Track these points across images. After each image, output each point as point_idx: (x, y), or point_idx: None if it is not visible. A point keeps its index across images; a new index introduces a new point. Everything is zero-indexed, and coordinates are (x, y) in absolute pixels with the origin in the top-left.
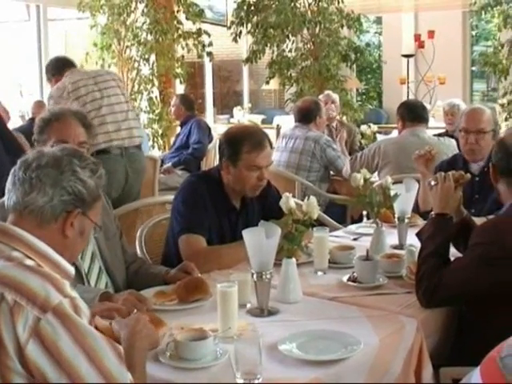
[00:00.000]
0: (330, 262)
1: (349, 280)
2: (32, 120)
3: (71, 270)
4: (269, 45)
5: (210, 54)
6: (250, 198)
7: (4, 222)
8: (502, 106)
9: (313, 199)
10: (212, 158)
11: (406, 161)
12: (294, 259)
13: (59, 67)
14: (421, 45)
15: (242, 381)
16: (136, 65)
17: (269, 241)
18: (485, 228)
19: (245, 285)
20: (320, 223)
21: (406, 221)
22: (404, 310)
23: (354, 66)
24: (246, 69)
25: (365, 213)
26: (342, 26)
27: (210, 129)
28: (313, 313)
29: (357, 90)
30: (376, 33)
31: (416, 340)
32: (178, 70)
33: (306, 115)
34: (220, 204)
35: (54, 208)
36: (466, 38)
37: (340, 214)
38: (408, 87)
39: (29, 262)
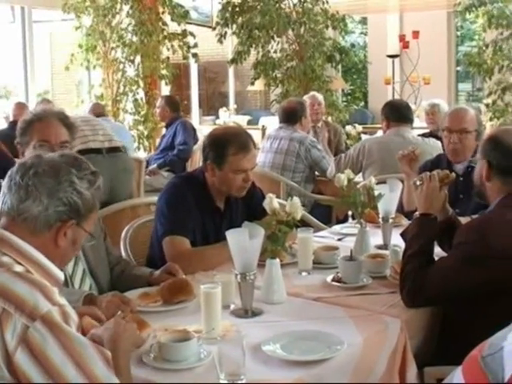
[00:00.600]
0: (315, 263)
1: (333, 280)
2: (13, 123)
3: (61, 276)
4: (254, 46)
5: (195, 55)
6: (234, 199)
7: None
8: (487, 105)
9: (296, 200)
10: (197, 159)
11: (390, 161)
12: (277, 260)
13: None
14: (406, 45)
15: (225, 381)
16: (121, 66)
17: (252, 242)
18: (469, 227)
19: (228, 286)
20: (305, 224)
21: (390, 221)
22: (388, 309)
23: (340, 66)
24: (231, 70)
25: (350, 213)
26: (327, 27)
27: (195, 130)
28: (297, 313)
29: (342, 90)
30: (361, 33)
31: (400, 340)
32: (164, 72)
33: (291, 116)
34: (204, 205)
35: (48, 218)
36: (450, 39)
37: (325, 215)
38: (393, 88)
39: (18, 268)
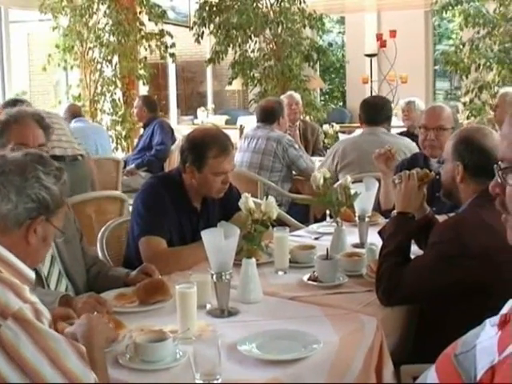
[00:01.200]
0: (291, 262)
1: (309, 279)
2: None
3: (31, 275)
4: (231, 45)
5: (172, 55)
6: (211, 199)
7: None
8: (464, 104)
9: (271, 199)
10: (175, 160)
11: (365, 161)
12: (253, 259)
13: None
14: (383, 44)
15: (201, 381)
16: (99, 66)
17: (227, 241)
18: (443, 227)
19: (204, 285)
20: (282, 223)
21: (367, 219)
22: (364, 308)
23: (318, 65)
24: (209, 70)
25: (328, 212)
26: (305, 26)
27: (172, 130)
28: (273, 313)
29: (321, 89)
30: (339, 33)
31: (376, 338)
32: (141, 72)
33: (269, 115)
34: (181, 205)
35: (17, 215)
36: (428, 37)
37: (303, 214)
38: (371, 87)
39: None
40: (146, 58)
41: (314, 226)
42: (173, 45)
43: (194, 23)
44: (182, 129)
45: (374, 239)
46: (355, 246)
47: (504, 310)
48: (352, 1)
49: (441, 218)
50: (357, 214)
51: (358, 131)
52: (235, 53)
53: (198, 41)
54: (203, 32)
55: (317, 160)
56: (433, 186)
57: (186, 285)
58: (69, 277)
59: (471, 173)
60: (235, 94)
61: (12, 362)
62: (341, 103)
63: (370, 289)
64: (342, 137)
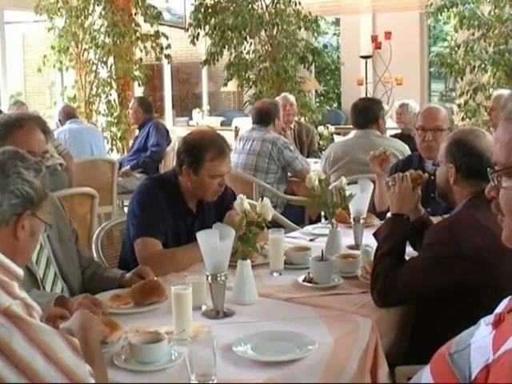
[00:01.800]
0: (286, 263)
1: (304, 281)
2: None
3: (20, 271)
4: (227, 47)
5: (168, 56)
6: (206, 201)
7: None
8: (459, 106)
9: (266, 201)
10: (170, 161)
11: (357, 164)
12: (248, 261)
13: None
14: (378, 46)
15: (196, 382)
16: (94, 68)
17: (223, 243)
18: (438, 228)
19: (200, 287)
20: (277, 224)
21: (362, 221)
22: (359, 309)
23: (313, 67)
24: (204, 71)
25: (323, 213)
26: (300, 28)
27: (167, 131)
28: (268, 314)
29: (316, 91)
30: (334, 34)
31: (371, 339)
32: (137, 73)
33: (265, 117)
34: (176, 207)
35: (4, 213)
36: (423, 39)
37: (298, 215)
38: (366, 88)
39: None
40: (141, 59)
41: (309, 228)
42: (168, 46)
43: (190, 24)
44: (177, 130)
45: (369, 241)
46: (350, 247)
47: (498, 310)
48: (347, 2)
49: (435, 219)
50: (352, 216)
51: (353, 133)
52: (230, 54)
53: (193, 42)
54: (199, 33)
55: (312, 161)
56: (428, 188)
57: (181, 286)
58: (64, 278)
59: (464, 174)
60: (230, 96)
61: (5, 358)
62: (336, 105)
63: (365, 290)
64: (336, 138)
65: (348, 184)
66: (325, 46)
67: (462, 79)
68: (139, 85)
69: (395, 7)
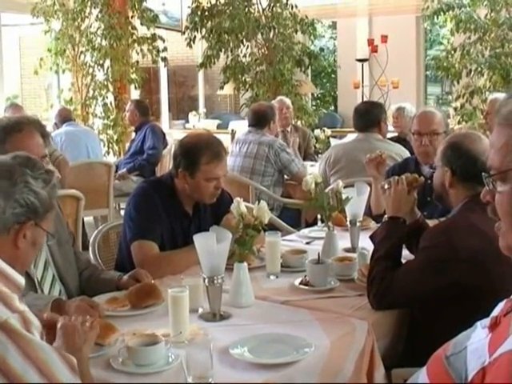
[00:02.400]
0: (283, 266)
1: (301, 283)
2: None
3: (21, 281)
4: (223, 50)
5: (164, 59)
6: (202, 203)
7: None
8: (456, 109)
9: (263, 203)
10: (167, 164)
11: (355, 166)
12: (245, 263)
13: None
14: (374, 49)
15: None
16: (90, 70)
17: (219, 245)
18: (433, 231)
19: (196, 289)
20: (273, 227)
21: (358, 224)
22: (355, 312)
23: (309, 70)
24: (201, 74)
25: (319, 216)
26: (296, 31)
27: (164, 134)
28: (265, 317)
29: (312, 94)
30: (331, 38)
31: (367, 342)
32: (133, 76)
33: (262, 119)
34: (172, 210)
35: (6, 220)
36: (419, 43)
37: (295, 218)
38: (362, 91)
39: None
40: (137, 62)
41: (305, 231)
42: (165, 49)
43: (186, 27)
44: (173, 133)
45: (366, 244)
46: (347, 250)
47: (495, 313)
48: (344, 6)
49: (432, 222)
50: (348, 219)
51: (350, 136)
52: (227, 57)
53: (189, 45)
54: (195, 36)
55: (308, 165)
56: (424, 191)
57: (178, 289)
58: (62, 281)
59: (459, 178)
60: (227, 99)
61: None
62: (332, 108)
63: (362, 293)
64: (333, 142)
65: (344, 187)
66: (321, 50)
67: (458, 82)
68: (136, 87)
69: (391, 11)
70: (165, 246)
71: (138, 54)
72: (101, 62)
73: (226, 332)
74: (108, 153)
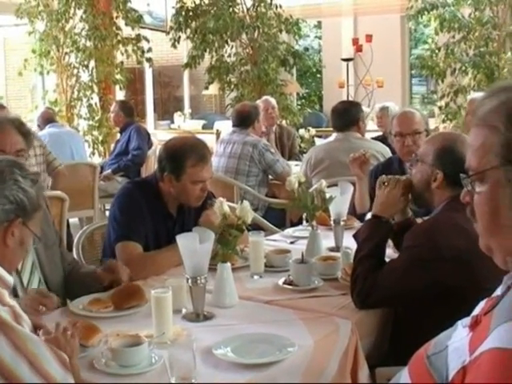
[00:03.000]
0: (267, 266)
1: (284, 283)
2: None
3: (10, 279)
4: (208, 50)
5: (149, 59)
6: (187, 205)
7: None
8: (440, 108)
9: (246, 203)
10: (152, 164)
11: (337, 166)
12: (228, 263)
13: None
14: (359, 48)
15: None
16: (75, 71)
17: (202, 245)
18: (417, 230)
19: (180, 290)
20: (258, 227)
21: (342, 223)
22: (339, 311)
23: (294, 70)
24: (186, 74)
25: (304, 216)
26: (281, 31)
27: (149, 135)
28: (248, 316)
29: (297, 94)
30: (316, 37)
31: (351, 341)
32: (118, 76)
33: (246, 119)
34: (157, 211)
35: None
36: (404, 42)
37: (279, 218)
38: (347, 91)
39: None
40: (122, 62)
41: (289, 230)
42: (149, 49)
43: (171, 28)
44: (158, 133)
45: (349, 243)
46: (331, 249)
47: (475, 312)
48: (328, 6)
49: (417, 220)
50: (332, 218)
51: (334, 135)
52: (212, 57)
53: (174, 45)
54: (180, 37)
55: (293, 164)
56: None
57: (161, 289)
58: (47, 284)
59: (450, 181)
60: (212, 99)
61: None
62: (317, 107)
63: (345, 292)
64: (318, 141)
65: (328, 186)
66: (306, 49)
67: (442, 81)
68: (120, 88)
69: (376, 10)
70: (149, 247)
71: (122, 54)
72: (85, 62)
73: (209, 332)
74: (93, 154)
